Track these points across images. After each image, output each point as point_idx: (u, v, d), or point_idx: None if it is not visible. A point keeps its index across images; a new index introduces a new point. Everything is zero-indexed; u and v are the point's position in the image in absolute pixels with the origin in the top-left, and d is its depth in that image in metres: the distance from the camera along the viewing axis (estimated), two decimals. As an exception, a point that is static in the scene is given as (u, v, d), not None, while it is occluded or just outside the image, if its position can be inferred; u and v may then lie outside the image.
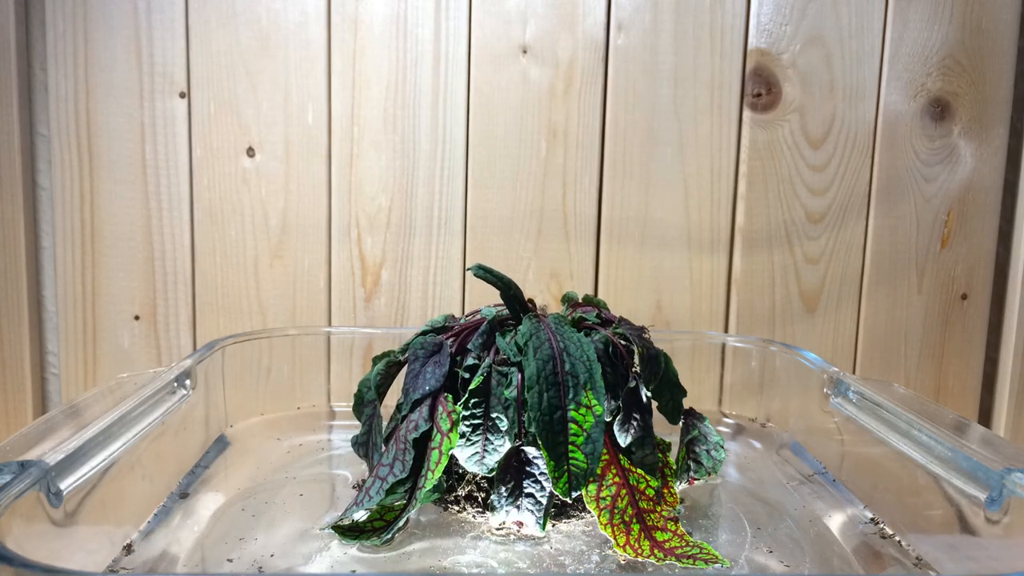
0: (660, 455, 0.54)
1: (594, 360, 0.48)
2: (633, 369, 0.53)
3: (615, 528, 0.46)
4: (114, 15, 0.75)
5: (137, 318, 0.79)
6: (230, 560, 0.45)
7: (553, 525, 0.50)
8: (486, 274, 0.54)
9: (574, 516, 0.51)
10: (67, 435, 0.44)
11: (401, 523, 0.47)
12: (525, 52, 0.77)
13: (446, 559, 0.45)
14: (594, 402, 0.47)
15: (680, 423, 0.58)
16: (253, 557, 0.45)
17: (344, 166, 0.78)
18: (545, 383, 0.47)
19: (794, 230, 0.80)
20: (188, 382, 0.58)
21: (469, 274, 0.79)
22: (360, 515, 0.49)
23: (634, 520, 0.47)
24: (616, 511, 0.47)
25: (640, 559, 0.45)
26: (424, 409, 0.49)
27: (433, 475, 0.47)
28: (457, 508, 0.51)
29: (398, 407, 0.53)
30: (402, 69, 0.77)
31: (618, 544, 0.46)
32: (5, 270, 0.77)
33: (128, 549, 0.46)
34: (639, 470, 0.49)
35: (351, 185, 0.78)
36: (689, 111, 0.78)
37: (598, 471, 0.47)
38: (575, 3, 0.76)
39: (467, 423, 0.49)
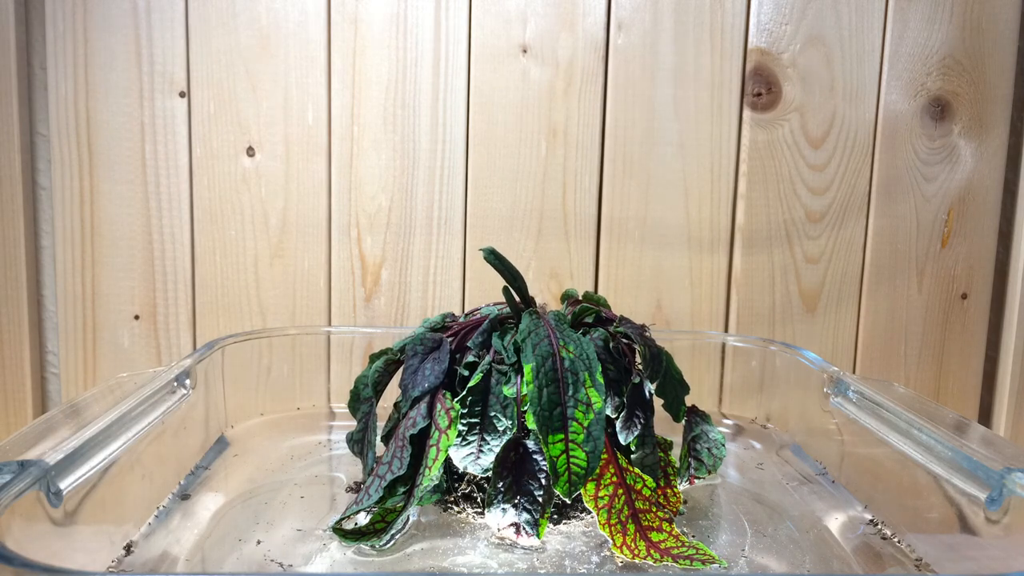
0: (662, 454, 0.54)
1: (594, 358, 0.48)
2: (636, 366, 0.53)
3: (612, 528, 0.46)
4: (114, 15, 0.75)
5: (137, 318, 0.79)
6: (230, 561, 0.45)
7: (553, 525, 0.50)
8: (496, 261, 0.53)
9: (574, 517, 0.51)
10: (67, 435, 0.44)
11: (399, 526, 0.47)
12: (525, 52, 0.77)
13: (446, 560, 0.45)
14: (595, 398, 0.47)
15: (683, 421, 0.58)
16: (253, 558, 0.45)
17: (344, 166, 0.78)
18: (545, 379, 0.46)
19: (794, 230, 0.80)
20: (188, 382, 0.58)
21: (468, 274, 0.79)
22: (362, 517, 0.49)
23: (630, 520, 0.47)
24: (613, 511, 0.47)
25: (637, 560, 0.45)
26: (422, 406, 0.49)
27: (430, 472, 0.47)
28: (457, 508, 0.51)
29: (396, 405, 0.53)
30: (402, 69, 0.77)
31: (616, 545, 0.46)
32: (5, 270, 0.77)
33: (128, 549, 0.46)
34: (635, 468, 0.49)
35: (351, 185, 0.78)
36: (689, 111, 0.78)
37: (596, 470, 0.47)
38: (575, 2, 0.76)
39: (464, 421, 0.49)
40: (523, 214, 0.79)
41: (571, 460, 0.46)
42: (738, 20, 0.77)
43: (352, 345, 0.79)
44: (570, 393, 0.47)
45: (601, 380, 0.47)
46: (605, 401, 0.47)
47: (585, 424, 0.46)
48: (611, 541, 0.46)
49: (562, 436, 0.46)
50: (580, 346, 0.49)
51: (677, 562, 0.44)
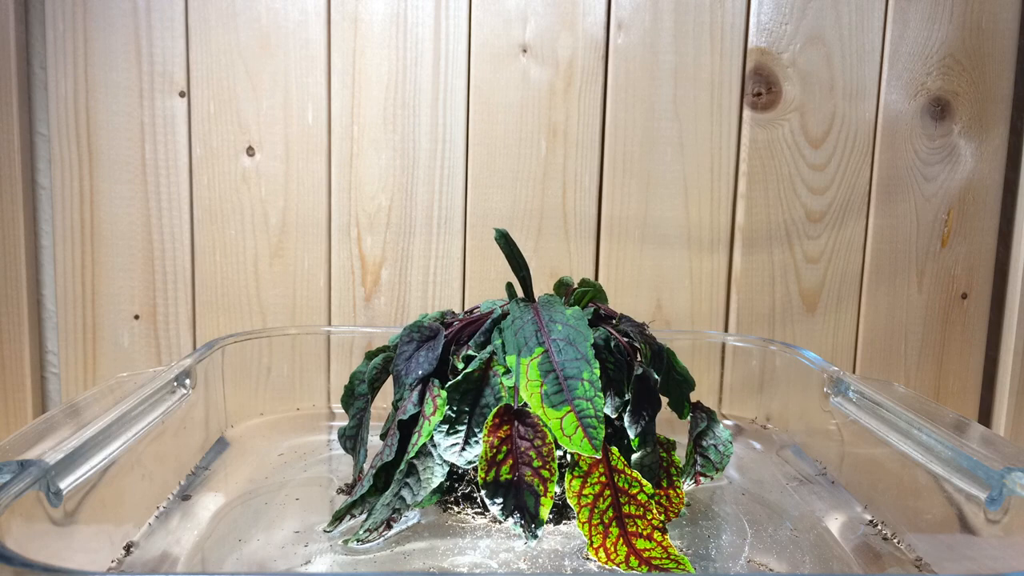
0: (664, 454, 0.53)
1: (585, 327, 0.47)
2: (638, 362, 0.52)
3: (592, 528, 0.44)
4: (114, 14, 0.75)
5: (137, 317, 0.79)
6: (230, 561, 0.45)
7: (553, 526, 0.50)
8: (506, 245, 0.53)
9: (574, 517, 0.51)
10: (67, 434, 0.44)
11: (382, 513, 0.46)
12: (525, 51, 0.77)
13: (446, 560, 0.45)
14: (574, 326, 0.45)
15: (688, 418, 0.57)
16: (253, 558, 0.45)
17: (344, 165, 0.78)
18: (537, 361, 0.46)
19: (794, 229, 0.80)
20: (188, 381, 0.58)
21: (468, 274, 0.79)
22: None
23: (614, 523, 0.45)
24: (596, 510, 0.45)
25: (609, 565, 0.43)
26: (415, 394, 0.48)
27: (409, 456, 0.46)
28: (457, 509, 0.51)
29: (394, 404, 0.52)
30: (402, 68, 0.77)
31: (591, 546, 0.44)
32: (5, 270, 0.77)
33: (128, 549, 0.46)
34: (634, 472, 0.46)
35: (351, 184, 0.78)
36: (689, 110, 0.78)
37: (584, 467, 0.45)
38: (575, 2, 0.76)
39: (454, 409, 0.47)
40: (523, 214, 0.79)
41: (583, 419, 0.44)
42: (738, 20, 0.77)
43: (352, 345, 0.79)
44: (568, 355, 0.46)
45: (588, 330, 0.46)
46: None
47: (584, 377, 0.45)
48: (588, 541, 0.44)
49: (567, 408, 0.44)
50: (566, 316, 0.47)
51: (651, 572, 0.43)
